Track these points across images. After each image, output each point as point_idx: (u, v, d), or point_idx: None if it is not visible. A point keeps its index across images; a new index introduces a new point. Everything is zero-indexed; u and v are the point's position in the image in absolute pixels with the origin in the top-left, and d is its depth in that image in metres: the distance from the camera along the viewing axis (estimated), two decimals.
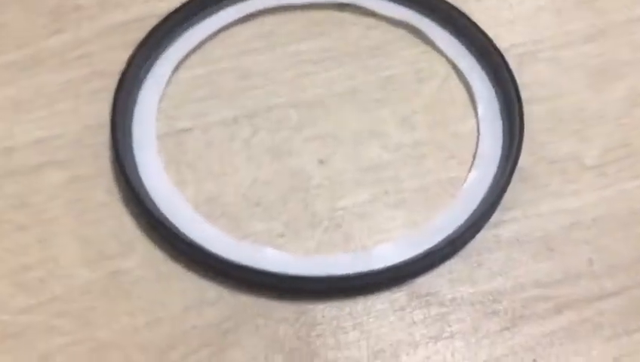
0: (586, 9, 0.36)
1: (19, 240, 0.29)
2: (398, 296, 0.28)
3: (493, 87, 0.34)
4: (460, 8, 0.35)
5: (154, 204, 0.30)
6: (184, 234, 0.28)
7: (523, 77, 0.34)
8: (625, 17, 0.36)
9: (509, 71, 0.33)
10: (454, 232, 0.29)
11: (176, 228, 0.29)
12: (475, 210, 0.29)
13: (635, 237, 0.29)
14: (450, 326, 0.27)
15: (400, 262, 0.28)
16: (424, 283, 0.28)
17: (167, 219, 0.29)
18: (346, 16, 0.37)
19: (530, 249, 0.29)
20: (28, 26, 0.36)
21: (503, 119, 0.32)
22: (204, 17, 0.36)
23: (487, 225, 0.29)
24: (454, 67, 0.34)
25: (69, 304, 0.27)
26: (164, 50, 0.34)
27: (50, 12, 0.36)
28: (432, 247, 0.28)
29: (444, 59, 0.35)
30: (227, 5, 0.36)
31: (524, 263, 0.29)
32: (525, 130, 0.31)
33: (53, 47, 0.35)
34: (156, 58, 0.34)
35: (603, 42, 0.35)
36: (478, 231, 0.29)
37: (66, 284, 0.28)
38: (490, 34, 0.35)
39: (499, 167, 0.31)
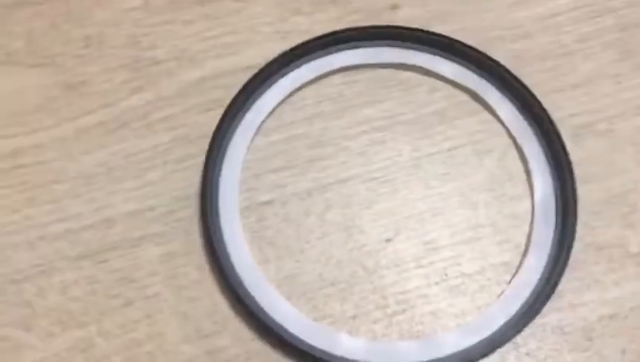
0: None
1: (128, 315, 0.33)
2: None
3: (549, 165, 0.36)
4: (516, 74, 0.37)
5: (241, 282, 0.34)
6: (268, 316, 0.33)
7: (579, 152, 0.36)
8: None
9: (565, 152, 0.35)
10: (506, 323, 0.33)
11: (261, 308, 0.33)
12: (527, 300, 0.33)
13: None
14: None
15: (459, 351, 0.32)
16: None
17: (252, 298, 0.33)
18: (410, 75, 0.38)
19: (571, 339, 0.33)
20: (109, 81, 0.38)
21: (556, 200, 0.35)
22: (277, 80, 0.38)
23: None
24: (512, 138, 0.37)
25: None
26: (242, 117, 0.37)
27: (128, 66, 0.38)
28: (486, 337, 0.32)
29: (503, 130, 0.37)
30: (299, 66, 0.38)
31: (565, 353, 0.33)
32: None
33: (135, 106, 0.38)
34: (236, 127, 0.37)
35: None
36: (529, 321, 0.33)
37: (172, 360, 0.33)
38: (550, 100, 0.37)
39: (550, 255, 0.34)
